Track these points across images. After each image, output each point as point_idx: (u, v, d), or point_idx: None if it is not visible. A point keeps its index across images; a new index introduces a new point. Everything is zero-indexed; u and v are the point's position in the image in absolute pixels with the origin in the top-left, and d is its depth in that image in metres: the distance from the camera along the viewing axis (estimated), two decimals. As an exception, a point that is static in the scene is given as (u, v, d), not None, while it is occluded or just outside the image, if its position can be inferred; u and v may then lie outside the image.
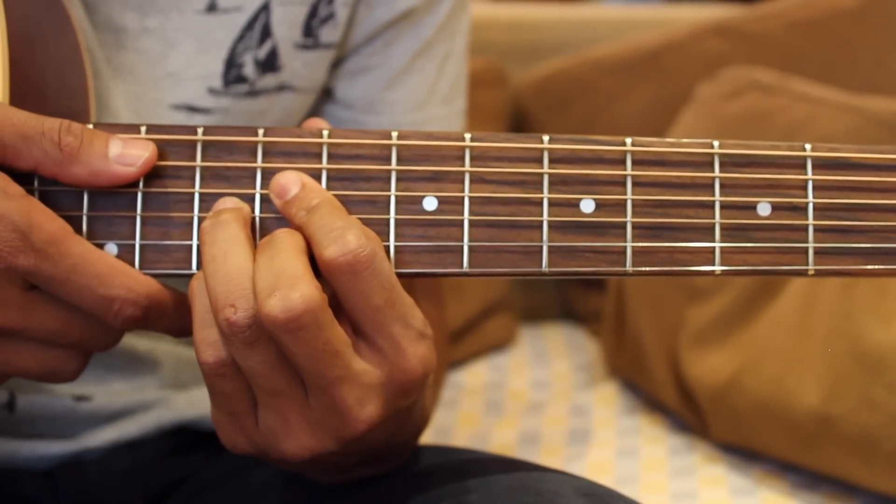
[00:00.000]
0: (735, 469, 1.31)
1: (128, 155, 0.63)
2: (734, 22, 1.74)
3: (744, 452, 1.33)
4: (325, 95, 0.90)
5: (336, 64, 0.89)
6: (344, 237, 0.60)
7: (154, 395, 0.87)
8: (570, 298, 1.79)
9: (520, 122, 1.77)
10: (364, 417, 0.62)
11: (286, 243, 0.61)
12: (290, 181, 0.64)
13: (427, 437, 0.96)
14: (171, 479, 0.89)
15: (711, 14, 1.88)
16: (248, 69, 0.82)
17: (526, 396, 1.53)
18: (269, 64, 0.83)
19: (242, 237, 0.62)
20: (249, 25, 0.82)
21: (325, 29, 0.85)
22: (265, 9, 0.82)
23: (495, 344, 1.69)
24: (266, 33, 0.82)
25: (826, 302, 1.27)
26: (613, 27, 1.87)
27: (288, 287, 0.59)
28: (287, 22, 0.83)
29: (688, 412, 1.40)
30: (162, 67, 0.81)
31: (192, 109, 0.81)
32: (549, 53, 1.80)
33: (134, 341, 0.86)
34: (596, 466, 1.32)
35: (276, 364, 0.61)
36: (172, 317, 0.64)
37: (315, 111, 0.90)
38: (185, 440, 0.88)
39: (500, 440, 1.40)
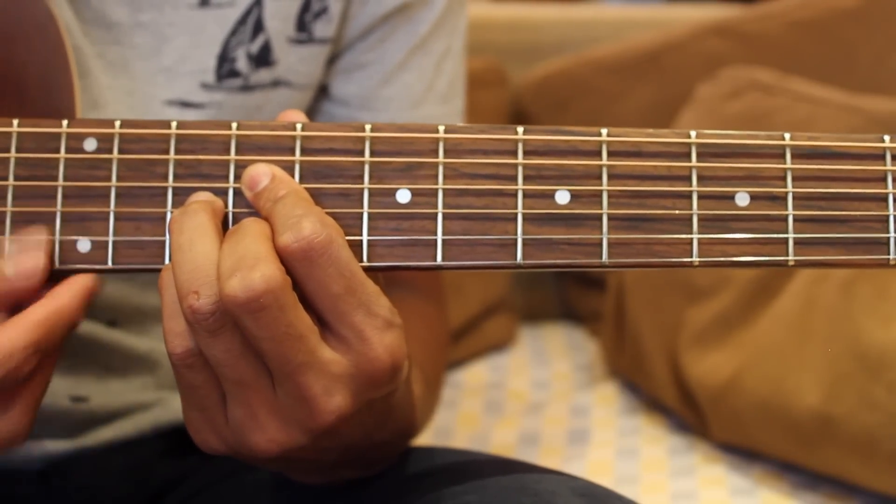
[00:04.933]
0: (735, 469, 1.31)
1: (24, 270, 0.63)
2: (734, 22, 1.74)
3: (744, 452, 1.33)
4: (321, 92, 0.90)
5: (331, 60, 0.89)
6: (299, 224, 0.60)
7: (152, 396, 0.87)
8: (570, 298, 1.79)
9: (520, 123, 1.77)
10: (332, 408, 0.61)
11: (251, 230, 0.61)
12: (261, 173, 0.64)
13: (427, 438, 0.96)
14: (167, 480, 0.89)
15: (711, 14, 1.88)
16: (241, 63, 0.83)
17: (526, 396, 1.53)
18: (263, 58, 0.83)
19: (210, 226, 0.62)
20: (242, 20, 0.82)
21: (318, 23, 0.85)
22: (258, 3, 0.82)
23: (495, 344, 1.69)
24: (259, 27, 0.82)
25: (826, 302, 1.27)
26: (613, 27, 1.87)
27: (249, 268, 0.59)
28: (279, 16, 0.83)
29: (688, 412, 1.40)
30: (155, 62, 0.81)
31: (186, 105, 0.81)
32: (549, 53, 1.80)
33: (134, 341, 0.86)
34: (596, 466, 1.32)
35: (242, 353, 0.61)
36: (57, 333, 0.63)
37: (311, 109, 0.90)
38: (182, 441, 0.88)
39: (500, 440, 1.40)
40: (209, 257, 0.60)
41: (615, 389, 1.53)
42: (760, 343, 1.32)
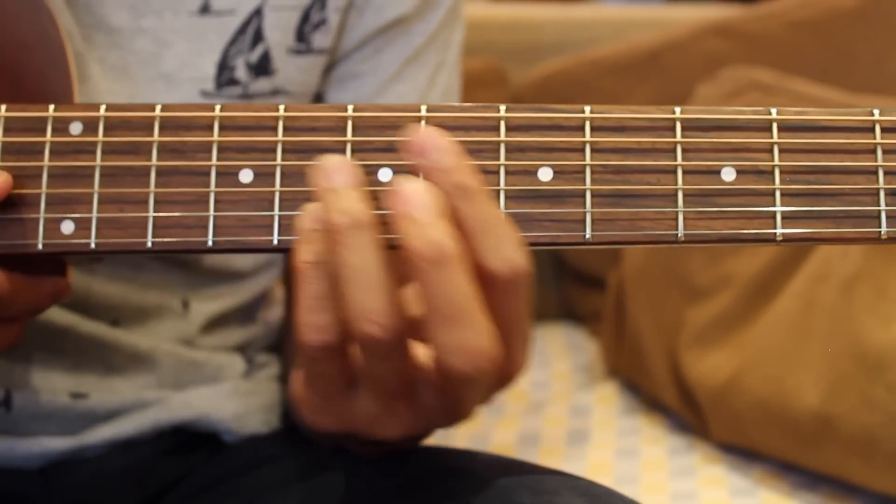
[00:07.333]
0: (735, 469, 1.31)
1: None
2: (734, 22, 1.74)
3: (744, 452, 1.33)
4: (316, 100, 0.91)
5: (327, 69, 0.89)
6: (515, 253, 0.59)
7: (152, 395, 0.87)
8: (570, 298, 1.79)
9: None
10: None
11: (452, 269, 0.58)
12: (441, 145, 0.59)
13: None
14: (166, 480, 0.89)
15: (711, 14, 1.88)
16: (240, 72, 0.83)
17: (526, 396, 1.53)
18: (262, 68, 0.84)
19: (377, 243, 0.59)
20: (242, 29, 0.83)
21: (317, 34, 0.86)
22: (258, 13, 0.83)
23: (495, 344, 1.69)
24: (258, 37, 0.83)
25: (826, 302, 1.27)
26: (613, 27, 1.87)
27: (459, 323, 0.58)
28: (279, 27, 0.83)
29: (688, 412, 1.40)
30: (156, 68, 0.81)
31: None
32: (549, 53, 1.80)
33: (135, 339, 0.86)
34: (596, 467, 1.32)
35: (406, 372, 0.61)
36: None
37: None
38: (182, 441, 0.88)
39: (500, 440, 1.40)
40: (385, 284, 0.58)
41: (615, 389, 1.53)
42: (760, 343, 1.32)
